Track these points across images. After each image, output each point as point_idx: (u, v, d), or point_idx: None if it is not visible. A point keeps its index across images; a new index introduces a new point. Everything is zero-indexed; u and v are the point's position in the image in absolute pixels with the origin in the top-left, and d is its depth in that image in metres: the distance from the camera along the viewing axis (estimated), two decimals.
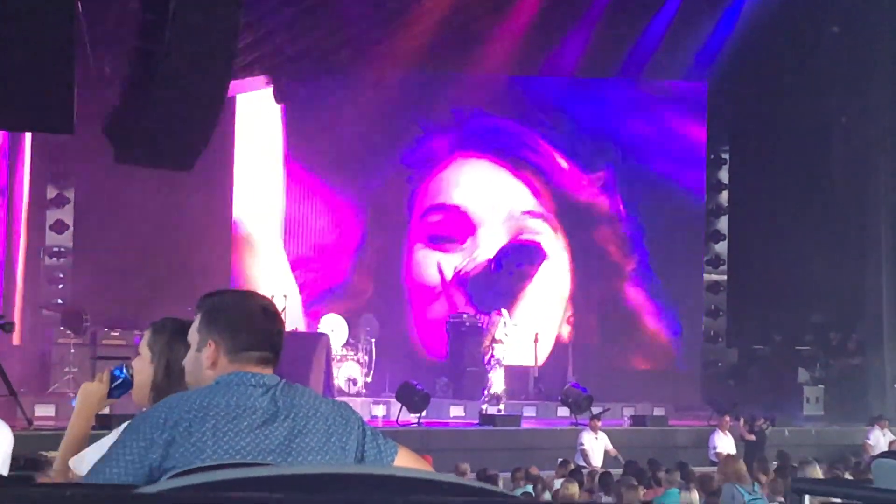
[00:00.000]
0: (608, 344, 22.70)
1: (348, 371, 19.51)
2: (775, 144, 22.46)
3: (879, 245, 22.08)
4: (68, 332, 17.96)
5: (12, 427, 5.30)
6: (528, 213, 22.74)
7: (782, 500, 11.58)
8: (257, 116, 21.46)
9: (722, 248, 23.79)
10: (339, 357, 19.39)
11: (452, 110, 22.39)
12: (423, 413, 17.31)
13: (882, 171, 22.12)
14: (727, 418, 17.56)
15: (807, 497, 10.93)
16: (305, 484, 1.87)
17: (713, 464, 16.13)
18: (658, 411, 19.64)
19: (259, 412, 2.81)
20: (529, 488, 12.74)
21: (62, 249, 19.47)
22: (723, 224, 23.84)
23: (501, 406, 18.41)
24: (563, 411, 18.91)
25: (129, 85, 14.22)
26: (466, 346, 19.98)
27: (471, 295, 22.25)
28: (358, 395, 19.08)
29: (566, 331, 22.54)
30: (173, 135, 14.10)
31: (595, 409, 17.75)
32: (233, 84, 15.48)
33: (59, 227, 19.47)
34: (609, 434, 16.54)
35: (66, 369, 17.18)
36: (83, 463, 3.84)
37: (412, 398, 17.22)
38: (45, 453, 9.38)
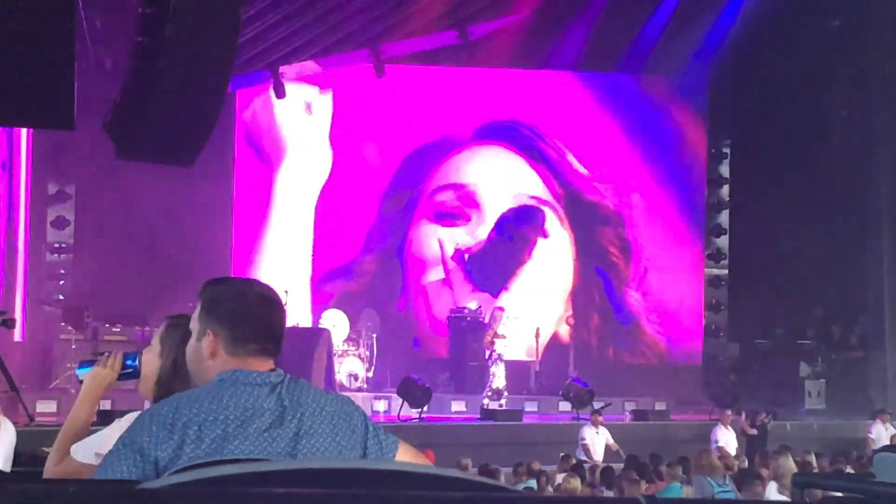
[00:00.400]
0: (606, 346, 22.67)
1: (350, 366, 19.51)
2: (776, 139, 22.46)
3: (880, 239, 22.08)
4: (69, 327, 17.98)
5: (14, 423, 5.31)
6: (537, 198, 22.73)
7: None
8: (258, 111, 21.47)
9: (723, 242, 23.79)
10: (340, 352, 19.39)
11: (467, 100, 22.40)
12: (425, 408, 17.33)
13: (883, 164, 22.11)
14: (729, 412, 17.56)
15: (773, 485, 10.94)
16: (308, 479, 1.86)
17: None
18: (660, 406, 19.65)
19: (267, 414, 2.79)
20: (533, 483, 12.75)
21: (63, 245, 19.48)
22: (724, 218, 23.85)
23: (503, 401, 18.41)
24: (565, 406, 18.92)
25: (130, 80, 14.21)
26: (468, 341, 19.98)
27: (469, 271, 22.24)
28: (359, 390, 19.08)
29: (565, 330, 22.51)
30: (174, 130, 14.09)
31: (596, 404, 17.76)
32: (233, 79, 15.49)
33: (60, 222, 19.48)
34: (610, 428, 16.56)
35: (68, 365, 17.18)
36: (85, 450, 3.84)
37: (414, 393, 17.23)
38: (46, 449, 9.35)
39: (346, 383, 19.13)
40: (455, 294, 22.14)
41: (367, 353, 19.97)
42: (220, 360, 2.97)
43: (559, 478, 12.81)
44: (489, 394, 18.39)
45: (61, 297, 19.28)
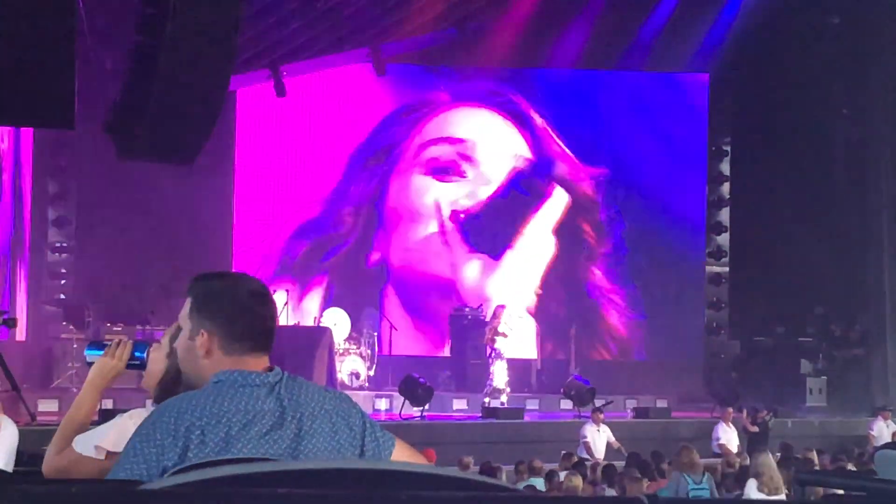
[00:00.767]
0: (574, 319, 22.65)
1: (351, 365, 19.52)
2: (777, 136, 22.45)
3: (881, 236, 22.08)
4: (71, 327, 17.99)
5: (15, 422, 5.31)
6: (530, 161, 22.77)
7: (786, 491, 11.59)
8: (258, 110, 21.49)
9: (724, 239, 23.79)
10: (341, 351, 19.39)
11: (454, 73, 22.41)
12: (426, 406, 17.33)
13: (883, 161, 22.11)
14: (730, 410, 17.56)
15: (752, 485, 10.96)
16: (309, 479, 1.87)
17: (717, 456, 16.17)
18: (661, 403, 19.66)
19: (267, 416, 2.78)
20: (534, 481, 12.75)
21: (64, 245, 19.49)
22: (724, 216, 23.84)
23: (504, 399, 18.41)
24: (566, 404, 18.92)
25: (130, 80, 14.22)
26: (469, 339, 19.98)
27: (467, 232, 22.23)
28: (361, 388, 19.09)
29: (532, 301, 22.54)
30: (174, 129, 14.10)
31: (598, 402, 17.75)
32: (234, 78, 15.49)
33: (61, 222, 19.49)
34: (612, 426, 16.55)
35: (69, 364, 17.20)
36: (85, 442, 3.84)
37: (415, 391, 17.23)
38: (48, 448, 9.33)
39: (347, 382, 19.14)
40: (452, 253, 22.14)
41: (369, 351, 19.98)
42: (215, 358, 2.95)
43: (561, 475, 12.82)
44: (489, 392, 18.39)
45: (62, 296, 19.29)
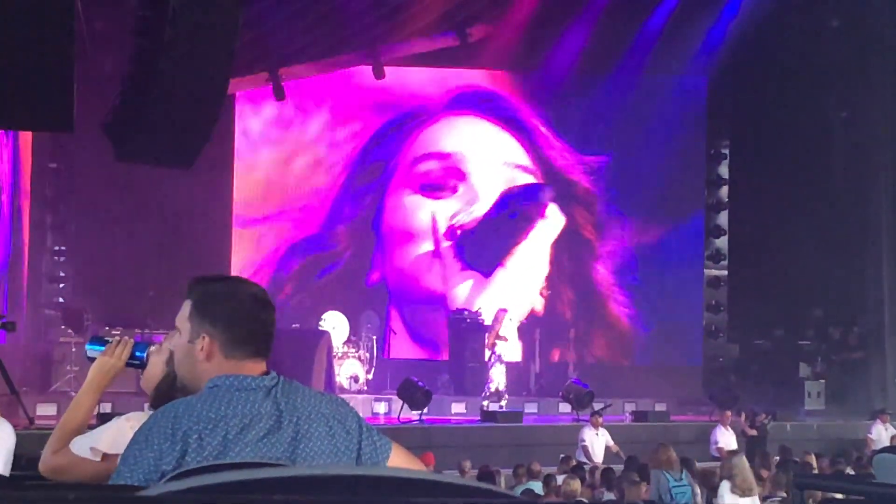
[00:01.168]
0: (578, 320, 22.65)
1: (350, 368, 19.51)
2: (775, 139, 22.45)
3: (880, 239, 22.07)
4: (69, 330, 17.97)
5: (14, 426, 5.31)
6: (522, 167, 22.73)
7: (784, 495, 11.60)
8: (257, 114, 21.49)
9: (722, 243, 23.78)
10: (340, 354, 19.39)
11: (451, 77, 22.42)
12: (425, 410, 17.32)
13: (882, 165, 22.11)
14: (729, 413, 17.56)
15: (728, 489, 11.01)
16: (306, 485, 1.87)
17: (715, 459, 16.15)
18: (659, 407, 19.66)
19: (264, 420, 2.79)
20: (538, 485, 12.75)
21: (63, 248, 19.47)
22: (723, 219, 23.83)
23: (503, 402, 18.41)
24: (565, 407, 18.92)
25: (130, 83, 14.22)
26: (467, 342, 19.97)
27: (461, 248, 22.22)
28: (359, 392, 19.08)
29: (540, 303, 22.56)
30: (173, 132, 14.10)
31: (596, 405, 17.75)
32: (232, 81, 15.50)
33: (60, 225, 19.47)
34: (610, 430, 16.54)
35: (68, 368, 17.19)
36: (82, 444, 3.83)
37: (414, 395, 17.22)
38: None
39: (346, 385, 19.13)
40: (445, 271, 22.12)
41: (367, 355, 19.97)
42: (215, 362, 2.94)
43: (559, 479, 12.81)
44: (488, 395, 18.39)
45: (61, 300, 19.28)
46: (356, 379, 19.50)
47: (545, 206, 22.60)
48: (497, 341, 18.61)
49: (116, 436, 3.74)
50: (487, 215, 22.28)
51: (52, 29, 10.81)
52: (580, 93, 22.81)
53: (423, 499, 1.76)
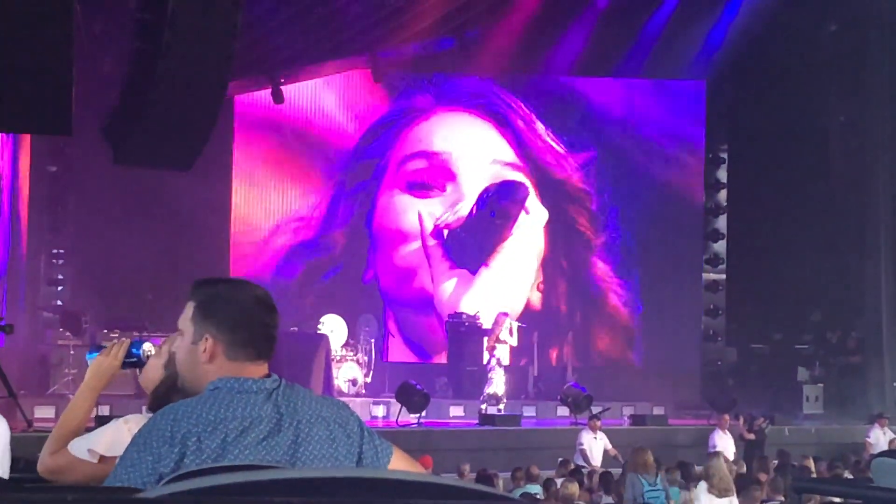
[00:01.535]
0: (574, 312, 22.64)
1: (348, 372, 19.51)
2: (774, 143, 22.47)
3: (878, 243, 22.10)
4: (67, 333, 17.97)
5: (12, 429, 5.31)
6: (510, 164, 22.72)
7: (782, 499, 11.61)
8: (256, 117, 21.49)
9: (721, 247, 23.79)
10: (338, 358, 19.39)
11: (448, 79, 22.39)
12: (423, 413, 17.32)
13: (880, 169, 22.14)
14: (727, 417, 17.55)
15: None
16: (306, 487, 1.87)
17: None
18: (658, 410, 19.65)
19: (264, 422, 2.78)
20: (536, 488, 12.75)
21: (61, 251, 19.47)
22: (721, 223, 23.85)
23: (501, 406, 18.41)
24: (563, 411, 18.92)
25: (128, 86, 14.23)
26: (466, 346, 19.98)
27: (448, 248, 22.21)
28: (358, 395, 19.08)
29: (537, 297, 22.57)
30: (172, 135, 14.11)
31: (595, 409, 17.75)
32: (231, 84, 15.51)
33: (59, 228, 19.47)
34: (609, 433, 16.54)
35: (66, 371, 17.19)
36: (80, 445, 3.83)
37: (412, 398, 17.22)
38: None
39: (344, 389, 19.13)
40: (433, 270, 22.11)
41: (366, 358, 19.97)
42: (218, 364, 2.94)
43: (557, 483, 12.81)
44: (486, 398, 18.39)
45: (59, 302, 19.27)
46: (354, 382, 19.49)
47: (523, 203, 22.54)
48: (497, 345, 18.60)
49: (114, 438, 3.75)
50: (470, 214, 22.27)
51: (50, 31, 10.81)
52: (578, 96, 22.83)
53: (423, 500, 1.76)
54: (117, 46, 15.40)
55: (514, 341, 19.43)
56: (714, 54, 22.60)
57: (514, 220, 22.48)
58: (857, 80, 22.31)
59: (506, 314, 19.21)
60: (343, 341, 19.76)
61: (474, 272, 22.14)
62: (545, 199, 22.82)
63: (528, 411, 19.25)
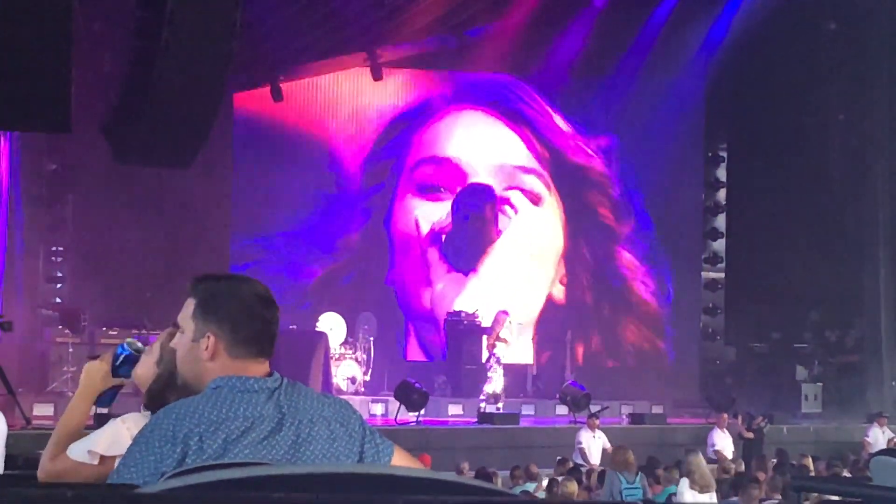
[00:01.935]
0: (601, 303, 22.66)
1: (347, 370, 19.50)
2: (773, 142, 22.48)
3: (877, 242, 22.10)
4: (66, 331, 17.97)
5: (10, 427, 5.31)
6: (521, 167, 22.69)
7: (779, 497, 11.62)
8: (255, 115, 21.48)
9: (720, 245, 23.79)
10: (337, 356, 19.38)
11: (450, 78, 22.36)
12: (422, 411, 17.32)
13: (880, 168, 22.14)
14: (725, 416, 17.56)
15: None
16: (305, 483, 1.87)
17: (711, 461, 16.16)
18: (656, 409, 19.66)
19: (266, 421, 2.77)
20: (529, 486, 12.75)
21: (60, 249, 19.46)
22: (721, 222, 23.85)
23: (500, 404, 18.41)
24: (562, 409, 18.92)
25: (127, 84, 14.24)
26: (465, 344, 19.97)
27: (445, 251, 22.17)
28: (356, 393, 19.07)
29: (559, 290, 22.57)
30: (171, 133, 14.12)
31: (593, 408, 17.74)
32: (230, 82, 15.51)
33: (58, 226, 19.46)
34: (607, 432, 16.54)
35: (65, 368, 17.18)
36: (80, 448, 3.83)
37: (411, 397, 17.22)
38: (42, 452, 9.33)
39: (343, 387, 19.12)
40: (431, 274, 22.12)
41: (364, 356, 19.96)
42: (220, 362, 2.93)
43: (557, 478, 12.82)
44: (485, 397, 18.39)
45: (58, 300, 19.26)
46: (353, 380, 19.49)
47: (494, 204, 22.47)
48: (497, 343, 18.60)
49: (113, 438, 3.74)
50: (452, 220, 22.22)
51: (50, 30, 10.81)
52: (577, 94, 22.84)
53: (423, 496, 1.76)
54: (117, 45, 15.40)
55: (513, 339, 19.41)
56: (713, 53, 22.60)
57: (494, 223, 22.43)
58: (857, 79, 22.31)
59: (506, 312, 19.20)
60: (342, 339, 19.75)
61: (467, 274, 22.13)
62: (564, 190, 22.76)
63: (527, 410, 19.25)
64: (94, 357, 4.23)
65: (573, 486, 11.82)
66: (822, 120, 22.64)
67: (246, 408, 2.78)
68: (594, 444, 16.18)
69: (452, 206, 22.18)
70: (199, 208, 19.81)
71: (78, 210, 19.45)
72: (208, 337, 2.94)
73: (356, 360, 19.75)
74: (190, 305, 3.00)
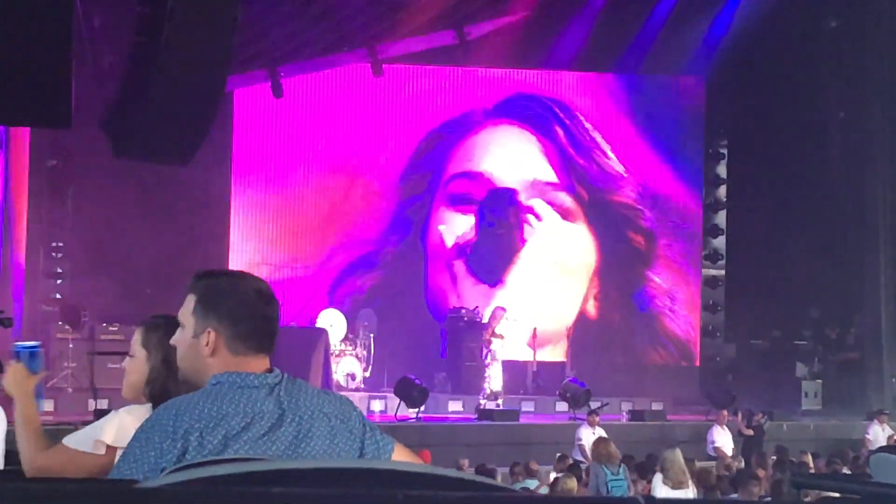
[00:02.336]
0: (629, 324, 22.65)
1: (347, 366, 19.51)
2: (773, 139, 22.47)
3: (877, 239, 22.10)
4: (67, 327, 17.96)
5: (10, 423, 5.30)
6: (552, 184, 22.66)
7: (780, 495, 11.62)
8: (255, 111, 21.47)
9: (720, 242, 23.77)
10: (337, 352, 19.38)
11: (481, 78, 22.35)
12: (422, 408, 17.31)
13: (880, 165, 22.14)
14: (725, 413, 17.57)
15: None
16: (305, 479, 1.87)
17: (711, 458, 16.17)
18: (656, 406, 19.66)
19: (266, 417, 2.78)
20: (535, 483, 12.77)
21: (60, 245, 19.45)
22: (721, 219, 23.83)
23: (500, 401, 18.40)
24: (562, 406, 18.91)
25: (127, 79, 14.24)
26: (465, 341, 19.95)
27: (470, 263, 22.17)
28: (357, 390, 19.06)
29: (592, 305, 22.59)
30: (171, 129, 14.12)
31: (593, 404, 17.75)
32: (230, 79, 15.50)
33: (58, 221, 19.45)
34: (607, 429, 16.53)
35: (65, 364, 17.17)
36: (84, 438, 3.84)
37: (411, 393, 17.22)
38: None
39: (343, 383, 19.12)
40: (458, 287, 22.10)
41: (365, 352, 19.96)
42: (220, 357, 2.93)
43: (553, 475, 12.84)
44: (485, 395, 18.38)
45: (58, 296, 19.26)
46: (353, 377, 19.50)
47: (519, 207, 22.48)
48: (493, 339, 18.60)
49: (119, 428, 3.76)
50: (476, 231, 22.23)
51: (50, 25, 10.81)
52: (576, 91, 22.84)
53: (423, 492, 1.76)
54: (117, 40, 15.39)
55: (509, 336, 19.36)
56: (714, 50, 22.59)
57: (519, 228, 22.42)
58: (857, 77, 22.30)
59: (503, 308, 19.19)
60: (342, 336, 19.75)
61: (493, 286, 22.11)
62: (594, 215, 22.78)
63: (527, 406, 19.25)
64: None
65: (573, 483, 11.82)
66: (823, 117, 22.63)
67: (246, 404, 2.78)
68: (594, 441, 16.17)
69: (476, 214, 22.18)
70: (199, 204, 19.81)
71: (78, 206, 19.44)
72: (209, 333, 2.94)
73: (356, 356, 19.75)
74: (190, 302, 3.01)
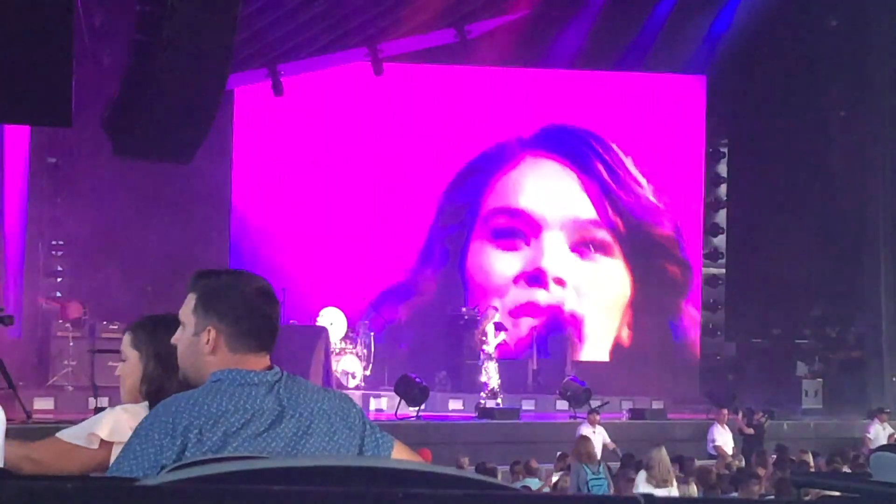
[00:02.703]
0: (664, 354, 22.68)
1: (347, 364, 19.50)
2: (774, 138, 22.47)
3: (878, 238, 22.10)
4: (67, 325, 17.96)
5: (11, 420, 5.31)
6: (593, 221, 22.70)
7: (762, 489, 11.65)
8: (256, 109, 21.47)
9: (720, 241, 23.78)
10: (337, 350, 19.38)
11: (517, 107, 22.36)
12: (422, 406, 17.31)
13: (880, 164, 22.14)
14: (726, 412, 17.56)
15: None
16: (305, 476, 1.86)
17: (711, 457, 16.18)
18: (657, 405, 19.66)
19: (266, 414, 2.78)
20: (535, 481, 12.77)
21: (61, 243, 19.46)
22: (721, 217, 23.83)
23: (500, 399, 18.40)
24: (562, 405, 18.91)
25: (128, 78, 14.23)
26: (465, 340, 19.96)
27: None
28: (357, 388, 19.07)
29: (626, 334, 22.63)
30: (171, 128, 14.11)
31: (594, 403, 17.75)
32: (231, 77, 15.49)
33: (58, 220, 19.45)
34: (608, 427, 16.55)
35: (65, 362, 17.17)
36: (80, 433, 3.84)
37: (411, 391, 17.22)
38: None
39: (343, 381, 19.12)
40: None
41: (365, 351, 19.95)
42: (220, 356, 2.94)
43: (556, 476, 12.85)
44: (485, 394, 18.37)
45: (59, 294, 19.26)
46: (353, 375, 19.49)
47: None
48: (483, 338, 18.59)
49: (115, 424, 3.76)
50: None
51: (51, 23, 10.80)
52: (576, 89, 22.83)
53: (423, 490, 1.76)
54: (117, 38, 15.38)
55: (497, 336, 19.30)
56: (715, 49, 22.59)
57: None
58: (858, 75, 22.30)
59: (495, 308, 19.19)
60: (342, 334, 19.75)
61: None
62: (632, 245, 22.84)
63: (528, 405, 19.24)
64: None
65: None
66: (823, 116, 22.63)
67: (246, 401, 2.78)
68: (594, 440, 16.16)
69: (535, 343, 21.61)
70: (200, 203, 19.81)
71: (78, 204, 19.44)
72: (209, 331, 2.95)
73: (356, 354, 19.75)
74: (191, 300, 3.01)
